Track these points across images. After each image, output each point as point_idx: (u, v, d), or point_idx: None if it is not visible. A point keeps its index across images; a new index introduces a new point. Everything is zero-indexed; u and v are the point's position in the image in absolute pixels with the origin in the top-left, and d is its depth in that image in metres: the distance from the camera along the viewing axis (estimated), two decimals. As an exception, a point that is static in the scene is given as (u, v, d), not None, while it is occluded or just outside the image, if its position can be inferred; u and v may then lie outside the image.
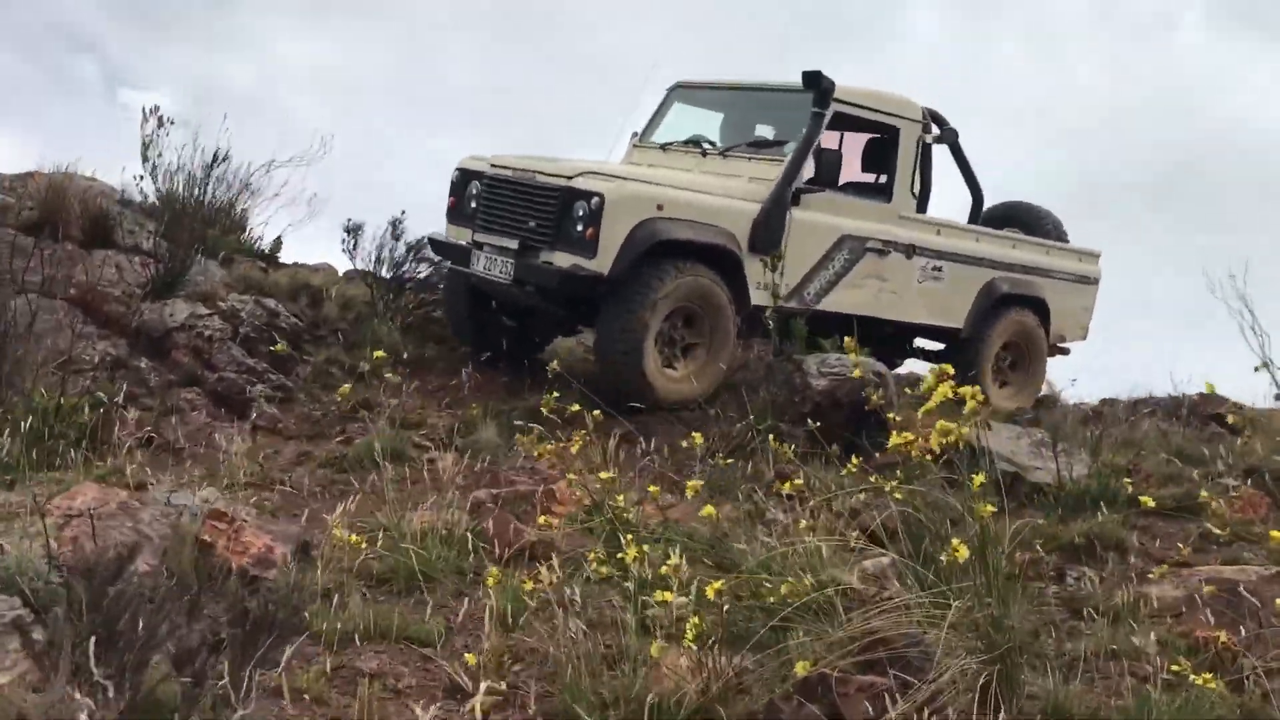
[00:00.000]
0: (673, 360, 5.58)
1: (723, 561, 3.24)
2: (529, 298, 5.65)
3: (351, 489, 4.10)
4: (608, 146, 6.56)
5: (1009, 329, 6.69)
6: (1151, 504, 3.73)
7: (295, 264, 7.60)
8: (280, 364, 5.74)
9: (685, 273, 5.37)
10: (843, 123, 6.06)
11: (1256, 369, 4.59)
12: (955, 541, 2.48)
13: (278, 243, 7.52)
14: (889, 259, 6.13)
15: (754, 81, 6.31)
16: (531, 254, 5.45)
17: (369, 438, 4.72)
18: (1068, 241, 7.25)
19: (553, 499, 3.96)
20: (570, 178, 5.37)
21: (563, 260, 5.32)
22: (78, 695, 1.74)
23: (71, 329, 5.34)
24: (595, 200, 5.20)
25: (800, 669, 2.51)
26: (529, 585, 2.83)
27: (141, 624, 1.85)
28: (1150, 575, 3.64)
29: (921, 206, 6.45)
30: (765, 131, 6.24)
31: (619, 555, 2.84)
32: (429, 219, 6.39)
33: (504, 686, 2.62)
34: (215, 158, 6.84)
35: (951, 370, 2.76)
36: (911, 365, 7.01)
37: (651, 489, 3.39)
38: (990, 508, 2.60)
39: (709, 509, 2.89)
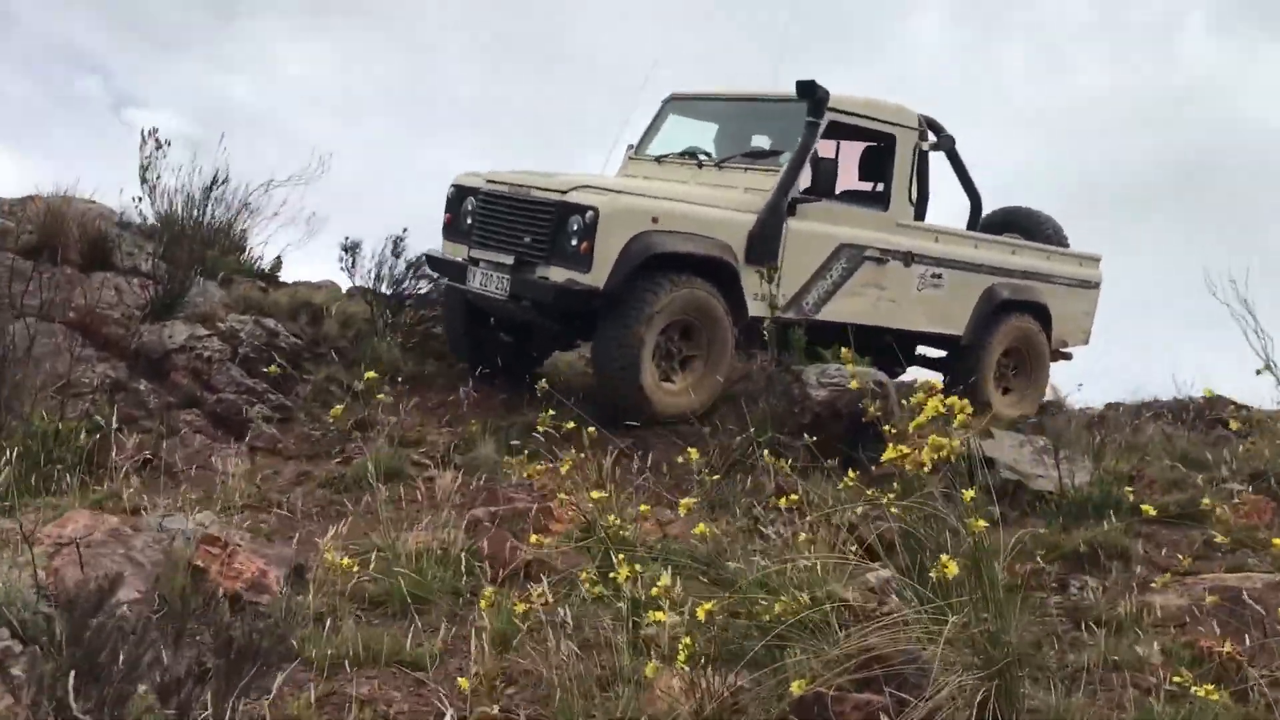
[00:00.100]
0: (670, 373, 5.56)
1: (720, 578, 3.22)
2: (525, 313, 5.64)
3: (353, 509, 4.09)
4: (607, 150, 6.57)
5: (1010, 335, 6.65)
6: (1153, 512, 3.69)
7: (296, 282, 7.61)
8: (280, 384, 5.74)
9: (681, 285, 5.36)
10: (839, 131, 6.05)
11: (1259, 372, 4.56)
12: (944, 558, 2.45)
13: (278, 262, 7.53)
14: (887, 267, 6.11)
15: (748, 92, 6.31)
16: (527, 269, 5.44)
17: (366, 457, 4.71)
18: (1068, 246, 7.22)
19: (550, 517, 3.94)
20: (564, 192, 5.36)
21: (558, 275, 5.31)
22: (58, 730, 1.72)
23: (70, 352, 5.35)
24: (590, 214, 5.20)
25: (796, 688, 2.49)
26: (520, 608, 2.81)
27: (122, 657, 1.84)
28: (1153, 584, 3.59)
29: (919, 214, 6.43)
30: (761, 142, 6.23)
31: (611, 575, 2.81)
32: (435, 232, 6.36)
33: (496, 711, 2.59)
34: (214, 179, 6.86)
35: (940, 385, 2.74)
36: (918, 373, 6.98)
37: (643, 508, 3.37)
38: (982, 523, 2.57)
39: (701, 527, 2.86)
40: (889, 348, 6.24)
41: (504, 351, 6.11)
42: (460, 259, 5.86)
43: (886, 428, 3.11)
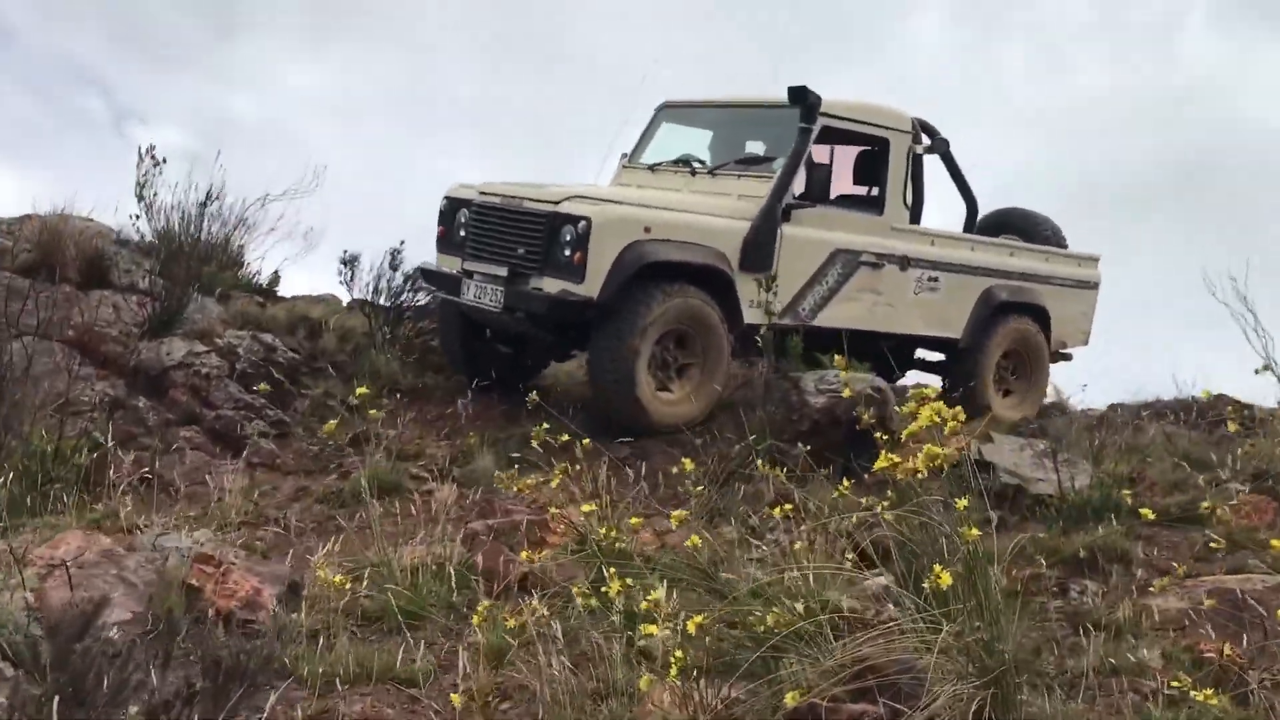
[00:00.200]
0: (668, 383, 5.55)
1: (716, 589, 3.20)
2: (520, 325, 5.64)
3: (346, 525, 4.08)
4: (601, 158, 6.56)
5: (1009, 337, 6.63)
6: (1152, 516, 3.67)
7: (296, 296, 7.62)
8: (278, 399, 5.75)
9: (674, 295, 5.34)
10: (832, 136, 6.04)
11: (1257, 371, 4.54)
12: (937, 568, 2.44)
13: (276, 276, 7.55)
14: (883, 272, 6.10)
15: (741, 98, 6.30)
16: (521, 281, 5.44)
17: (363, 471, 4.71)
18: (1065, 246, 7.19)
19: (546, 529, 3.93)
20: (557, 203, 5.36)
21: (552, 286, 5.30)
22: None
23: (69, 371, 5.36)
24: (583, 224, 5.19)
25: (790, 699, 2.47)
26: (511, 623, 2.80)
27: (107, 681, 1.83)
28: (1150, 588, 3.57)
29: (915, 217, 6.41)
30: (756, 148, 6.22)
31: (603, 589, 2.80)
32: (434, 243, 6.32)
33: (489, 726, 2.58)
34: (209, 195, 6.88)
35: (933, 393, 2.73)
36: (922, 377, 6.95)
37: (634, 520, 3.35)
38: (975, 531, 2.55)
39: (694, 539, 2.85)
40: (888, 352, 6.23)
41: (501, 363, 6.11)
42: (454, 271, 5.86)
43: (878, 435, 3.10)
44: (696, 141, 6.47)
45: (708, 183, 5.98)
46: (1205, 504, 4.14)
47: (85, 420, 5.01)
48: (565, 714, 2.55)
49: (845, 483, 3.39)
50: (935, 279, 6.31)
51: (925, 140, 6.37)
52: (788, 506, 3.39)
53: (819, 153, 6.06)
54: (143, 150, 6.76)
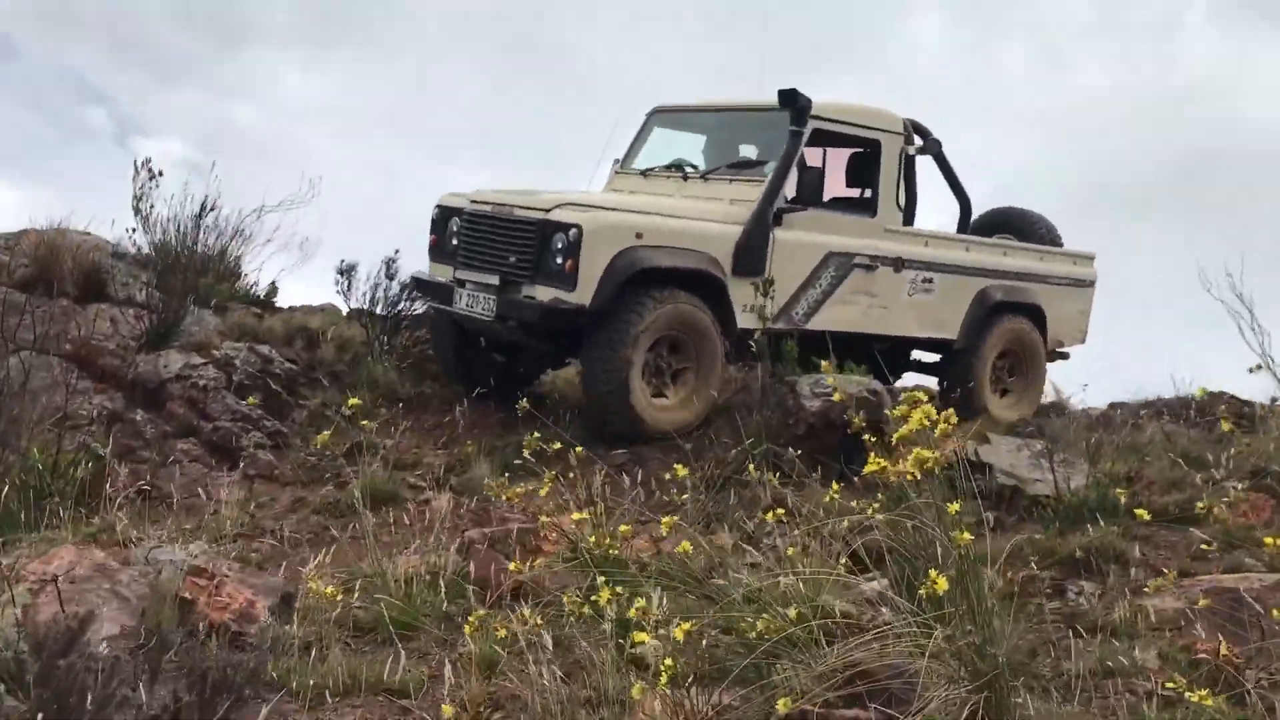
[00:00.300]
0: (662, 389, 5.54)
1: (711, 594, 3.20)
2: (512, 333, 5.63)
3: (341, 535, 4.08)
4: (594, 164, 6.56)
5: (1004, 337, 6.62)
6: (1146, 516, 3.65)
7: (294, 307, 7.63)
8: (276, 409, 5.75)
9: (666, 301, 5.33)
10: (824, 139, 6.04)
11: (1251, 370, 4.52)
12: (933, 573, 2.43)
13: (273, 288, 7.56)
14: (877, 274, 6.09)
15: (732, 102, 6.30)
16: (513, 289, 5.44)
17: (358, 482, 4.71)
18: (1061, 245, 7.18)
19: (540, 537, 3.93)
20: (548, 210, 5.36)
21: (544, 294, 5.30)
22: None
23: (67, 384, 5.37)
24: (573, 232, 5.19)
25: (782, 706, 2.47)
26: (501, 633, 2.80)
27: (91, 696, 1.83)
28: (1145, 589, 3.56)
29: (908, 219, 6.41)
30: (748, 152, 6.22)
31: (593, 597, 2.80)
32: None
33: (481, 737, 2.58)
34: (203, 207, 6.89)
35: (924, 396, 2.72)
36: (919, 379, 6.95)
37: (623, 528, 3.35)
38: (967, 535, 2.55)
39: (685, 545, 2.85)
40: (883, 354, 6.22)
41: (496, 372, 6.10)
42: (447, 280, 5.86)
43: (867, 438, 3.09)
44: (689, 146, 6.47)
45: (699, 187, 5.98)
46: (1202, 503, 4.12)
47: (83, 434, 5.02)
48: (555, 722, 2.55)
49: (836, 485, 3.38)
50: (929, 280, 6.30)
51: (917, 141, 6.36)
52: (781, 511, 3.39)
53: (811, 156, 6.05)
54: (139, 163, 6.80)
